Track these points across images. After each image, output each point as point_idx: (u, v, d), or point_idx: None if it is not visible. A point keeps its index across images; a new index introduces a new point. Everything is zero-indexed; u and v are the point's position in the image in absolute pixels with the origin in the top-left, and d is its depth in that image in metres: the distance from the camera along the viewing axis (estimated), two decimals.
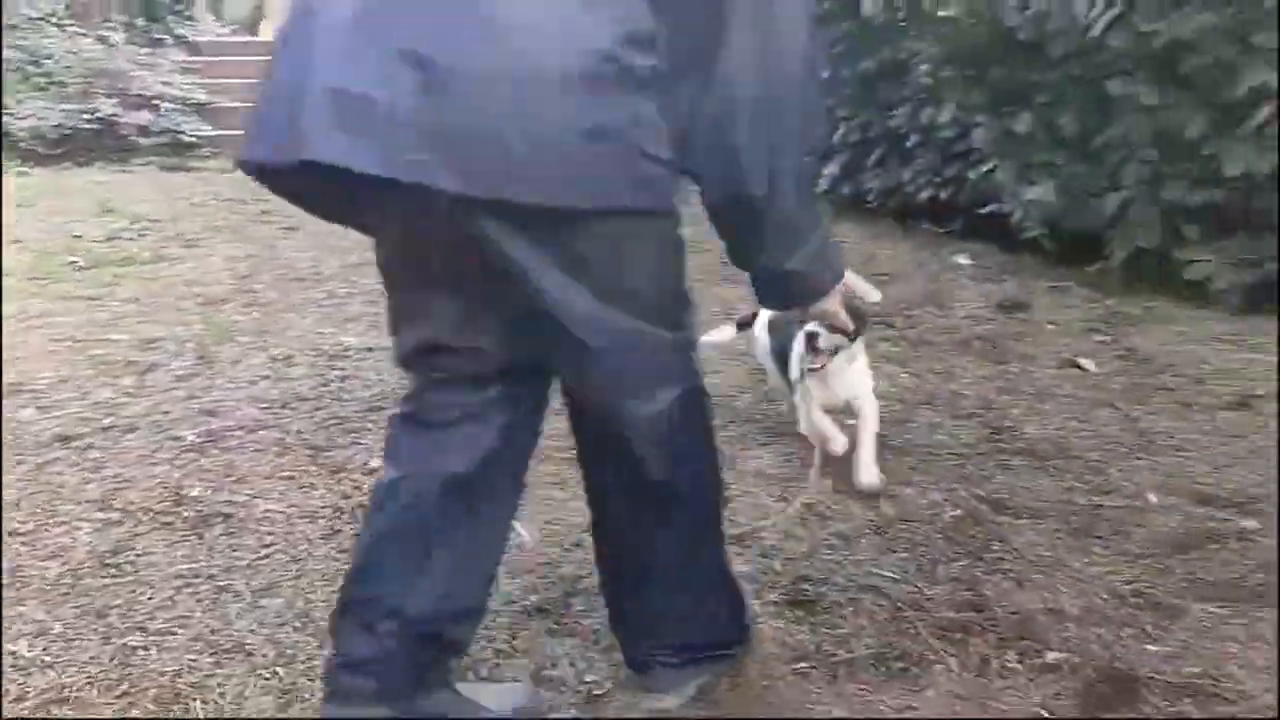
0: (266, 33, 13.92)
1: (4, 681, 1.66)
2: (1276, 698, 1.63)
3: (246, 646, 1.91)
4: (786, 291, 1.66)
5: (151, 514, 2.45)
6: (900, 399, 3.26)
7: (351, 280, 4.80)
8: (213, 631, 1.96)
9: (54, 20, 9.80)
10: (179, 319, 4.20)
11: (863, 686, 1.81)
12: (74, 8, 10.12)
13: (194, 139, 9.31)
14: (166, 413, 3.15)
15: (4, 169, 7.73)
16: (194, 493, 2.58)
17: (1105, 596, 2.08)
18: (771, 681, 1.81)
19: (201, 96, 9.83)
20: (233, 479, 2.67)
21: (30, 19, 9.67)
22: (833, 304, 1.74)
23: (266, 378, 3.50)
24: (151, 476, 2.67)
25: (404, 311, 1.56)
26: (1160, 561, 2.21)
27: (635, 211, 1.37)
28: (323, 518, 2.44)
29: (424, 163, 1.25)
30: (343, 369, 3.57)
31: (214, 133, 9.48)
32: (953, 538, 2.34)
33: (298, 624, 1.98)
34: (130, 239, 5.78)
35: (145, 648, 1.90)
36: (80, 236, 5.80)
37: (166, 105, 9.33)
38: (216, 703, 1.74)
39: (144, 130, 9.02)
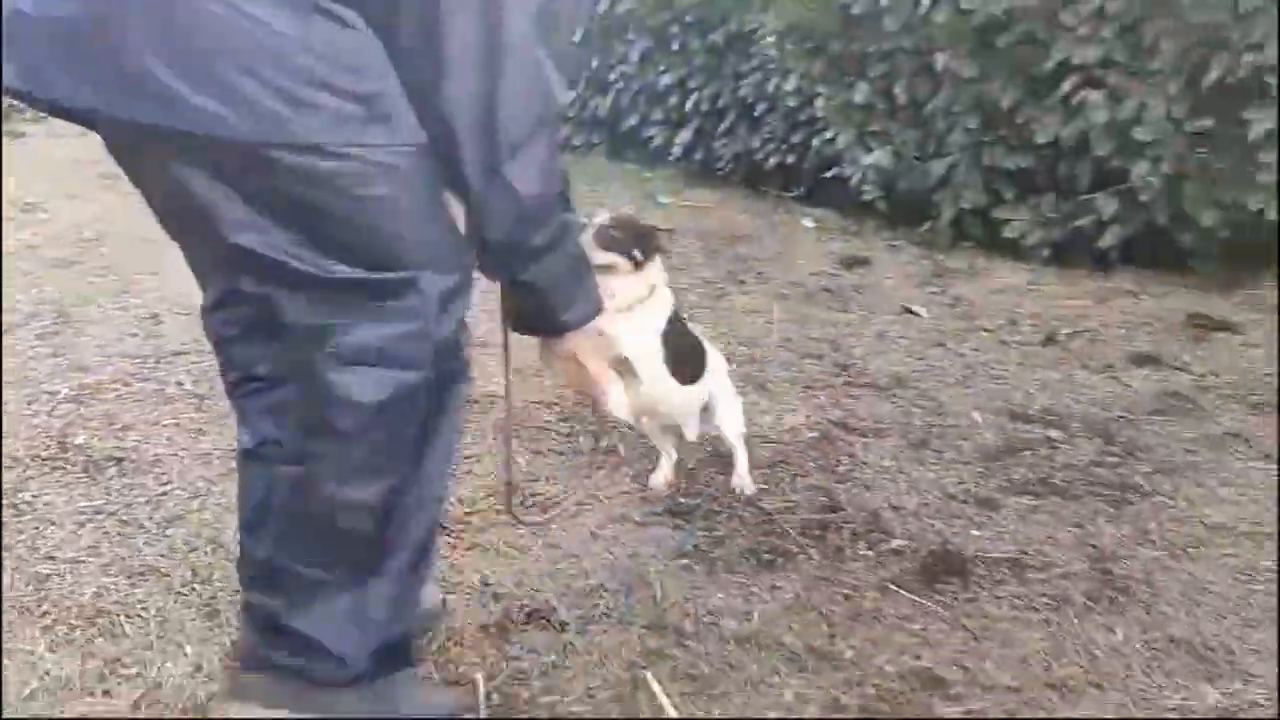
0: None
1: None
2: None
3: (161, 569, 2.00)
4: (524, 308, 1.55)
5: (40, 459, 2.47)
6: (758, 343, 3.54)
7: None
8: (124, 558, 2.04)
9: None
10: (30, 282, 4.09)
11: (737, 576, 2.05)
12: None
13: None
14: (35, 370, 3.12)
15: None
16: (79, 440, 2.60)
17: (938, 495, 2.41)
18: (660, 575, 2.03)
19: None
20: (117, 427, 2.70)
21: None
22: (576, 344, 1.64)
23: (135, 335, 3.48)
24: (33, 427, 2.67)
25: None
26: (982, 465, 2.56)
27: (311, 146, 1.25)
28: (217, 459, 2.51)
29: (64, 80, 1.23)
30: None
31: None
32: (811, 455, 2.62)
33: (208, 549, 2.08)
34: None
35: (59, 575, 1.96)
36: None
37: None
38: (141, 618, 1.83)
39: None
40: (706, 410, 2.40)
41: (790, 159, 5.87)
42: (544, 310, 1.54)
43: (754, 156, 6.13)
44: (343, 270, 1.32)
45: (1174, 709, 1.66)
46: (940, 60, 4.70)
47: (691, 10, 6.33)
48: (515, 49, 1.29)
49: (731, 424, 2.43)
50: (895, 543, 2.18)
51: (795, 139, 5.79)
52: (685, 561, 2.10)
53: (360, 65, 1.25)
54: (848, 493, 2.41)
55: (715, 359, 2.41)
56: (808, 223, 5.53)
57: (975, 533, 2.23)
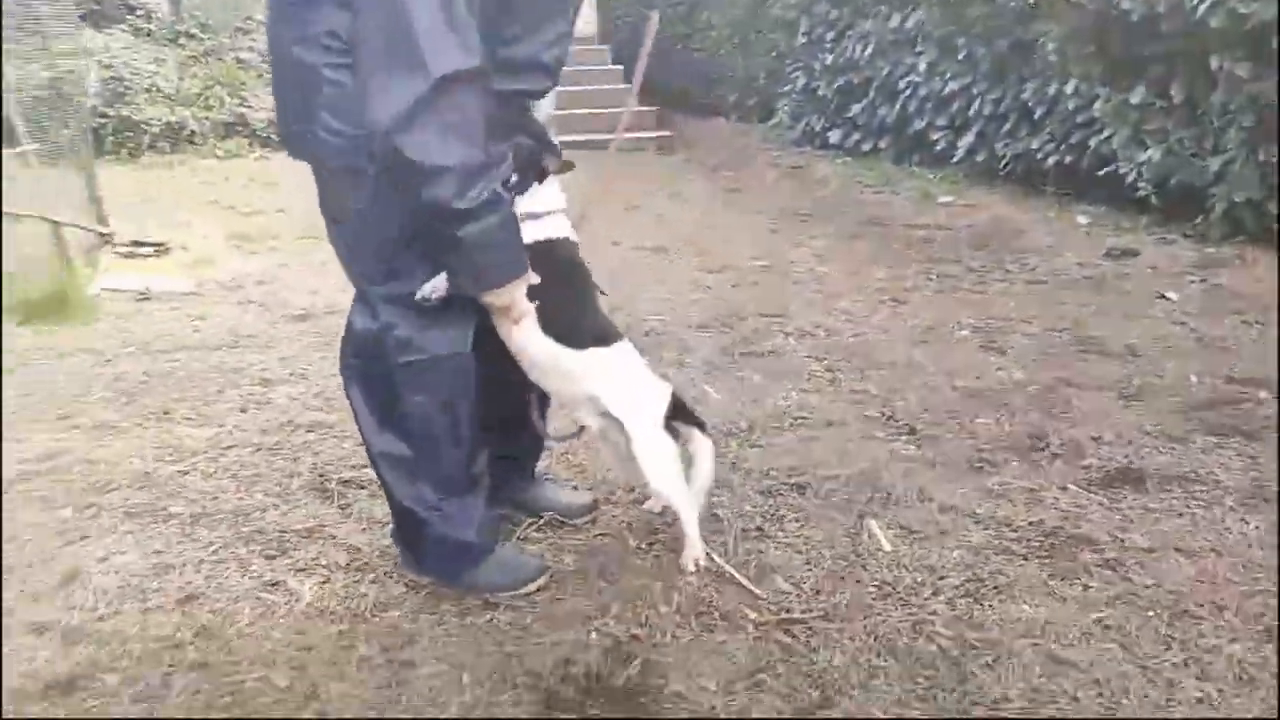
0: None
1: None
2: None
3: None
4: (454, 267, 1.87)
5: None
6: (1004, 318, 4.06)
7: None
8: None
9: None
10: None
11: (946, 473, 2.69)
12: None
13: None
14: None
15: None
16: None
17: (1136, 432, 2.90)
18: (888, 467, 2.72)
19: None
20: None
21: (260, 22, 11.22)
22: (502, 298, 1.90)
23: None
24: None
25: None
26: (1183, 413, 3.01)
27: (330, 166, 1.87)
28: None
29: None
30: None
31: None
32: (1031, 401, 3.17)
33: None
34: None
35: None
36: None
37: None
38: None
39: None
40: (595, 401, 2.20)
41: (1068, 159, 6.18)
42: (467, 268, 1.84)
43: (1033, 157, 6.48)
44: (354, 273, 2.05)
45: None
46: (1215, 61, 4.93)
47: (978, 22, 6.78)
48: (367, 41, 1.68)
49: (625, 414, 2.18)
50: (1086, 460, 2.72)
51: (1073, 139, 6.10)
52: (912, 463, 2.77)
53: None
54: (1055, 427, 2.96)
55: (625, 350, 2.22)
56: (1082, 219, 5.85)
57: (1160, 458, 2.72)
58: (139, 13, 11.55)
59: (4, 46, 9.45)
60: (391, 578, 2.22)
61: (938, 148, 7.36)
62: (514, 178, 1.97)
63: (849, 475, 2.69)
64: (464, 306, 1.98)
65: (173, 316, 4.48)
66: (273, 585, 2.21)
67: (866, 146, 8.24)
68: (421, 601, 2.13)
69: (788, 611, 2.07)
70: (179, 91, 10.20)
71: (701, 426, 2.29)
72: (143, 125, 9.75)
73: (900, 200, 6.79)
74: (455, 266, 1.86)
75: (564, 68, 2.05)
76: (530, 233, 2.00)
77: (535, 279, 1.95)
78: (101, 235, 5.82)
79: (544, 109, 2.20)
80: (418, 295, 1.93)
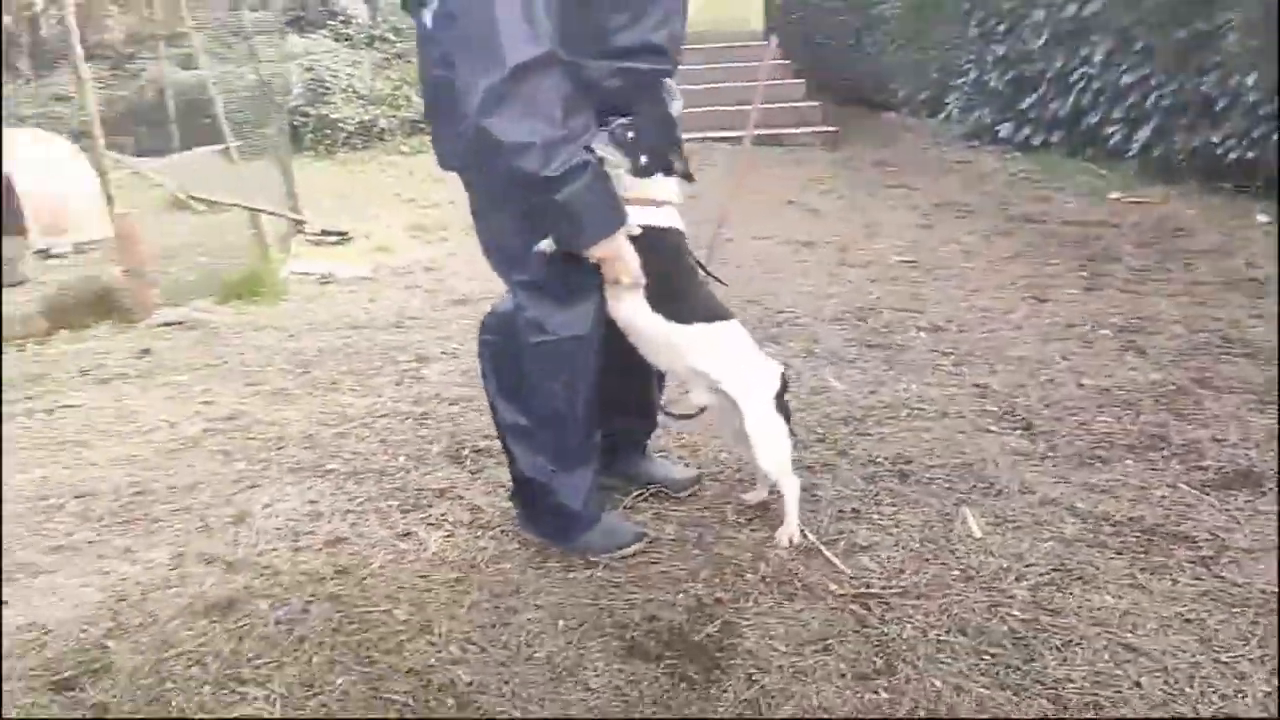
0: None
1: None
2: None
3: None
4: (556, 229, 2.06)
5: None
6: (1150, 319, 3.95)
7: None
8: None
9: None
10: None
11: (1059, 467, 2.70)
12: None
13: None
14: None
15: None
16: None
17: (1264, 436, 2.81)
18: (997, 460, 2.75)
19: None
20: None
21: None
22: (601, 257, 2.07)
23: None
24: None
25: None
26: None
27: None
28: None
29: None
30: None
31: None
32: (1161, 401, 3.12)
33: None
34: None
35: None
36: None
37: None
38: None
39: None
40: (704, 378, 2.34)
41: (1250, 154, 5.86)
42: (568, 228, 2.02)
43: (1213, 152, 6.16)
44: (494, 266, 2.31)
45: None
46: None
47: (1157, 10, 6.50)
48: (461, 47, 1.90)
49: (737, 392, 2.32)
50: (1205, 461, 2.67)
51: (1256, 134, 5.78)
52: (1021, 456, 2.79)
53: None
54: (1179, 428, 2.90)
55: (732, 328, 2.33)
56: (1261, 217, 5.54)
57: None
58: (340, 18, 12.43)
59: (214, 50, 10.32)
60: (507, 535, 2.46)
61: (1112, 142, 7.08)
62: (643, 159, 2.16)
63: (954, 465, 2.74)
64: (586, 292, 2.18)
65: (350, 298, 4.93)
66: (405, 535, 2.48)
67: (1037, 141, 8.00)
68: (530, 557, 2.35)
69: (868, 587, 2.17)
70: (371, 92, 10.93)
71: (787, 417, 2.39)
72: (339, 123, 10.52)
73: (1065, 196, 6.60)
74: (557, 229, 2.05)
75: (682, 44, 2.22)
76: (644, 218, 2.15)
77: (635, 230, 2.10)
78: (295, 224, 6.41)
79: (675, 108, 2.36)
80: (535, 249, 2.12)
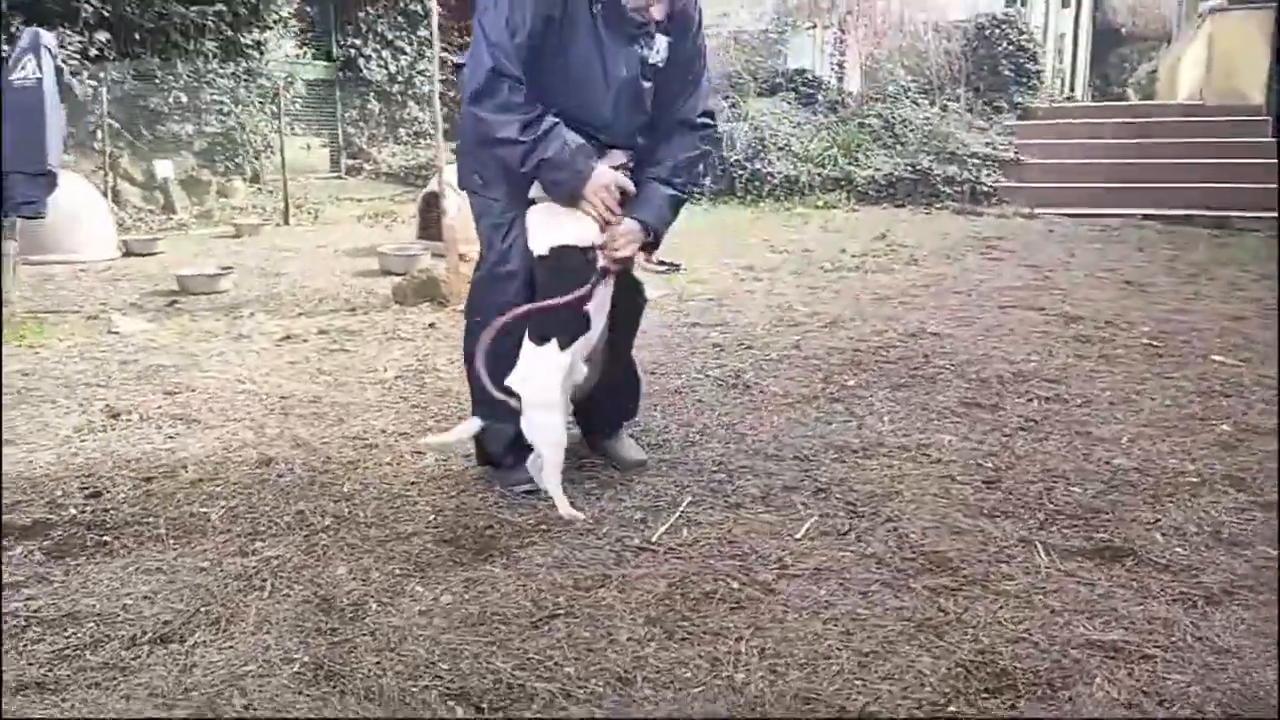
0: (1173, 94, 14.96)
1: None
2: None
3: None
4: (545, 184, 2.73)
5: None
6: None
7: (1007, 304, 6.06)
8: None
9: (909, 95, 12.49)
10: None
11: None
12: (925, 83, 12.70)
13: (988, 188, 11.03)
14: None
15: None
16: None
17: None
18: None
19: (1009, 154, 11.50)
20: None
21: (890, 94, 12.51)
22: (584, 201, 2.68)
23: None
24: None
25: None
26: None
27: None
28: None
29: None
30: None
31: (1007, 184, 11.09)
32: None
33: None
34: (869, 255, 7.81)
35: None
36: (844, 250, 8.04)
37: (973, 160, 11.24)
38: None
39: (949, 180, 11.06)
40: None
41: None
42: (551, 179, 2.64)
43: None
44: None
45: None
46: None
47: None
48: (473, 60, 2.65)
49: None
50: None
51: None
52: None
53: None
54: None
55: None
56: None
57: None
58: (810, 84, 13.58)
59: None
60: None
61: None
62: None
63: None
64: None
65: None
66: None
67: None
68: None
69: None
70: (805, 151, 11.92)
71: None
72: (769, 176, 11.65)
73: None
74: (547, 183, 2.70)
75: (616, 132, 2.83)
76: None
77: (607, 178, 2.69)
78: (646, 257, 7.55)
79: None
80: (529, 194, 2.78)
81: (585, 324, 2.80)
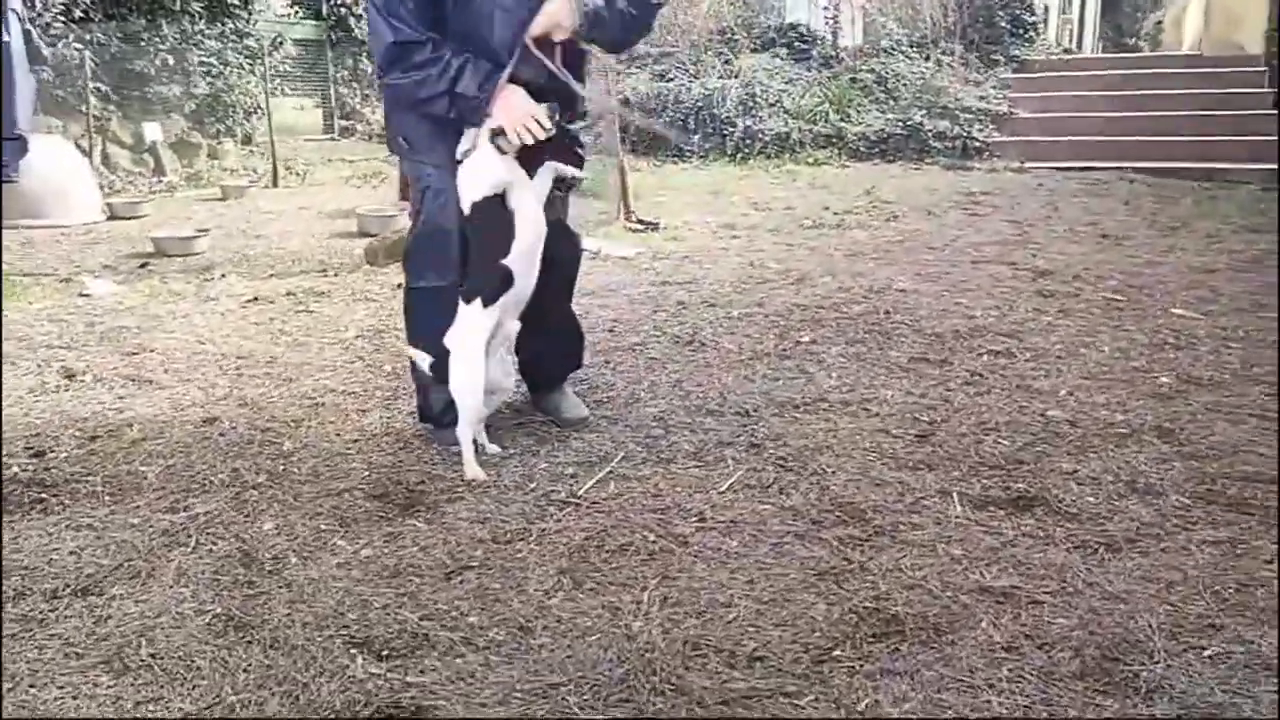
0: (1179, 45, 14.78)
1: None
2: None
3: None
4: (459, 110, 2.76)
5: None
6: None
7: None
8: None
9: (901, 49, 12.36)
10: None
11: None
12: (919, 37, 12.57)
13: (979, 143, 10.94)
14: None
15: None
16: None
17: None
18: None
19: (1002, 109, 11.39)
20: None
21: (883, 48, 12.39)
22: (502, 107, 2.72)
23: None
24: None
25: None
26: None
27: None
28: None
29: None
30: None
31: (1001, 139, 11.00)
32: None
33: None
34: (850, 212, 7.79)
35: None
36: (828, 208, 8.02)
37: (965, 115, 11.14)
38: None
39: (940, 135, 10.98)
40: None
41: None
42: (465, 108, 2.70)
43: None
44: None
45: None
46: None
47: None
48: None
49: None
50: None
51: None
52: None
53: None
54: None
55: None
56: None
57: None
58: (805, 39, 13.44)
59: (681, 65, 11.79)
60: None
61: None
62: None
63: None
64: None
65: (600, 270, 5.87)
66: None
67: None
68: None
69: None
70: (797, 107, 11.84)
71: None
72: (759, 134, 11.58)
73: None
74: (463, 113, 2.74)
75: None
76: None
77: (519, 99, 2.73)
78: (626, 212, 7.55)
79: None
80: (458, 154, 2.79)
81: (509, 280, 2.82)
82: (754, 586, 2.20)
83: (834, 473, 2.80)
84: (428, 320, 2.95)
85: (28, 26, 5.39)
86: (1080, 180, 9.49)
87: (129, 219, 8.02)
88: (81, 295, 5.11)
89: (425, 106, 2.76)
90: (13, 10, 5.29)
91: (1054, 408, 3.27)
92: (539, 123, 2.73)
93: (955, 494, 2.63)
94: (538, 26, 2.77)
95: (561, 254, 3.12)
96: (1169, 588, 2.13)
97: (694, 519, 2.55)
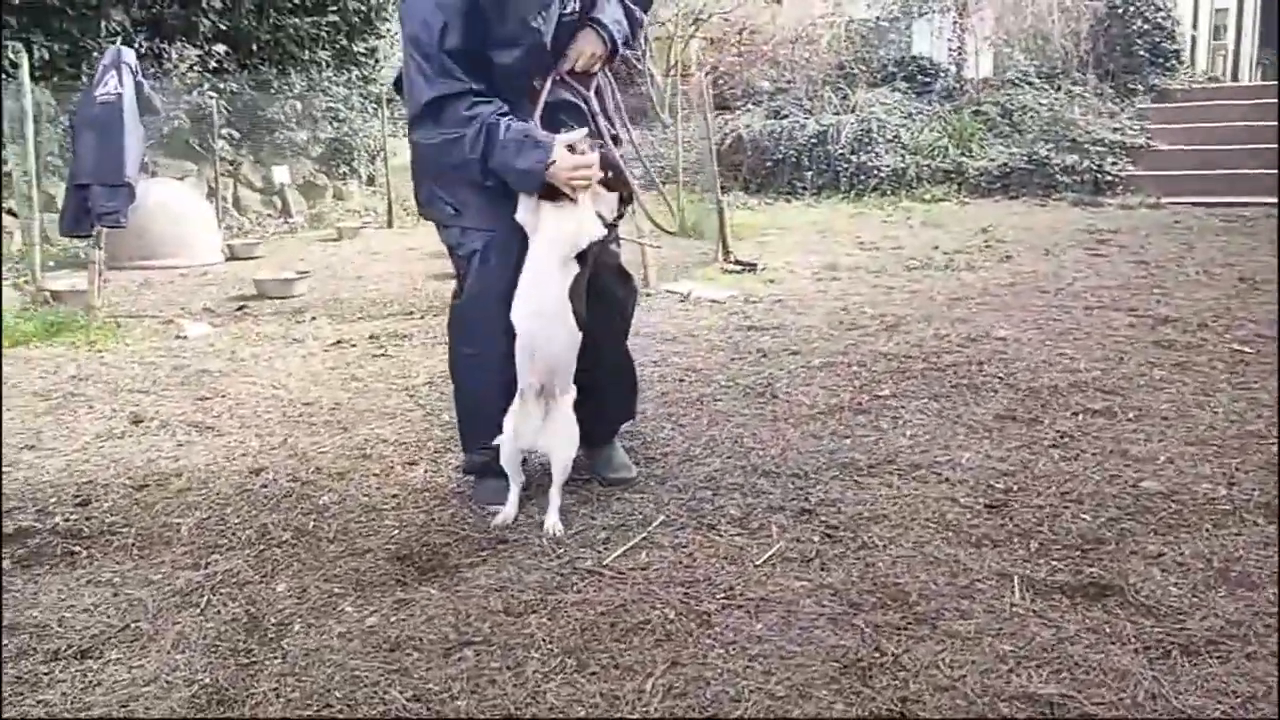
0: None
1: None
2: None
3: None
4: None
5: None
6: None
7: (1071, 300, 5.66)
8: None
9: (1028, 80, 11.84)
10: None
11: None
12: (1049, 68, 12.01)
13: (1112, 177, 10.34)
14: None
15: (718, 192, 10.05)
16: None
17: None
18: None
19: (1139, 140, 10.76)
20: None
21: (1009, 79, 11.89)
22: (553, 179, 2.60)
23: None
24: None
25: None
26: None
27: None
28: None
29: None
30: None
31: (1136, 172, 10.37)
32: None
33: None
34: (961, 252, 7.43)
35: None
36: (938, 247, 7.67)
37: (1096, 148, 10.55)
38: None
39: (1068, 170, 10.42)
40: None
41: None
42: (512, 182, 2.61)
43: None
44: None
45: None
46: None
47: None
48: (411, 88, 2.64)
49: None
50: None
51: None
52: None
53: None
54: None
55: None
56: None
57: None
58: (927, 72, 13.06)
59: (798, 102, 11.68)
60: None
61: None
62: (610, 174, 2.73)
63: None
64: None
65: (681, 314, 5.74)
66: None
67: None
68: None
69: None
70: (915, 141, 11.48)
71: None
72: (874, 170, 11.27)
73: None
74: (512, 185, 2.65)
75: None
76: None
77: (567, 161, 2.59)
78: (725, 253, 7.40)
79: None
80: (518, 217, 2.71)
81: None
82: (770, 678, 2.00)
83: (885, 546, 2.56)
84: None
85: (140, 79, 5.63)
86: (1223, 217, 8.84)
87: (246, 259, 8.32)
88: (178, 338, 5.27)
89: (459, 171, 2.67)
90: (125, 64, 5.55)
91: (1149, 477, 2.94)
92: (585, 163, 2.62)
93: (1016, 577, 2.36)
94: (569, 62, 2.69)
95: (616, 291, 3.03)
96: (1246, 703, 1.82)
97: (721, 595, 2.35)
